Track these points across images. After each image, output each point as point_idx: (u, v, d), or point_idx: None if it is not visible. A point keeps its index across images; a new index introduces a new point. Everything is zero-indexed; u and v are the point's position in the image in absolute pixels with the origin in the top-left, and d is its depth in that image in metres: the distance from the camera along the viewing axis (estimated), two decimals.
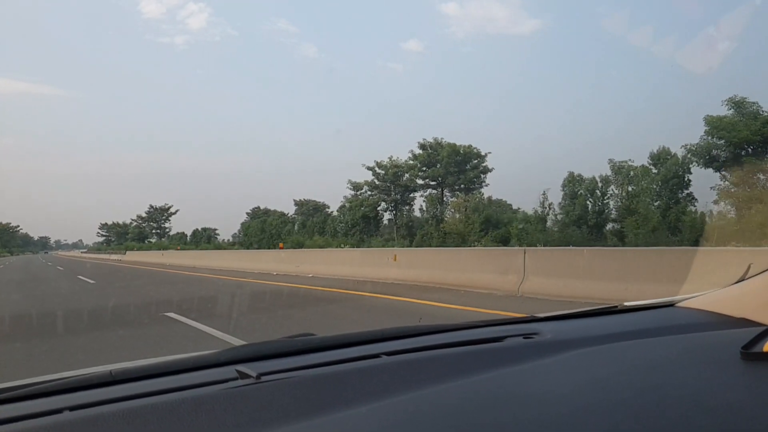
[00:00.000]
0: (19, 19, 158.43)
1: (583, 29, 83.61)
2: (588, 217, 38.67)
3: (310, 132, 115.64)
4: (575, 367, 1.07)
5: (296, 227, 69.94)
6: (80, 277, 18.27)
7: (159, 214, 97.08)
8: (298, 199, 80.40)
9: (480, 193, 46.97)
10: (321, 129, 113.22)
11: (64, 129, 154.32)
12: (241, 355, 1.10)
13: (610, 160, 38.76)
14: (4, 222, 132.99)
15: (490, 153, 51.93)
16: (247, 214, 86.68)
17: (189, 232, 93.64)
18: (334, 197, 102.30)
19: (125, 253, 41.04)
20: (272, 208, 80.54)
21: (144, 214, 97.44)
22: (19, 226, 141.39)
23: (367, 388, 0.96)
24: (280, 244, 35.04)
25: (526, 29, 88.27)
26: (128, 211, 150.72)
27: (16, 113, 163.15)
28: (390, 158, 56.24)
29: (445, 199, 52.64)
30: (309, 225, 68.43)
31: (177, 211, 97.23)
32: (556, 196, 41.33)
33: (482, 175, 51.95)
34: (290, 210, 79.32)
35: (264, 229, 68.97)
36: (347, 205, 59.83)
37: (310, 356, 1.12)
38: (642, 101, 70.13)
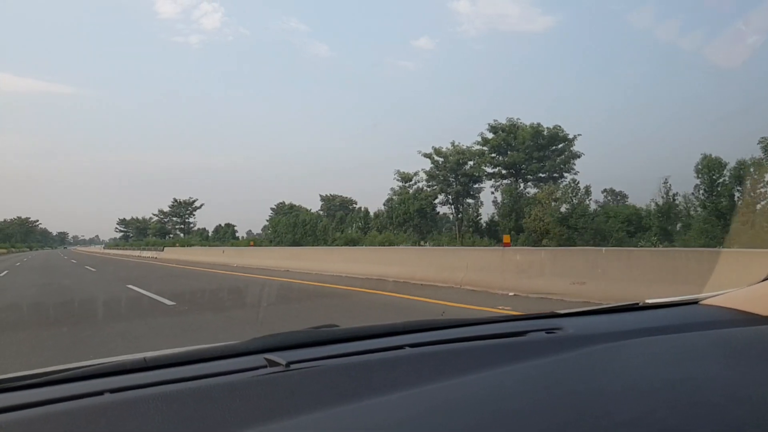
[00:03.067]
0: (39, 20, 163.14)
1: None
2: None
3: (327, 129, 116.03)
4: (601, 360, 1.06)
5: (334, 223, 64.00)
6: (135, 288, 11.64)
7: (183, 209, 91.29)
8: (324, 195, 78.04)
9: (575, 181, 39.70)
10: (337, 126, 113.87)
11: (82, 127, 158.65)
12: (269, 345, 1.11)
13: (763, 139, 30.97)
14: (23, 217, 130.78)
15: (579, 135, 44.40)
16: (272, 209, 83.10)
17: (207, 229, 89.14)
18: (359, 193, 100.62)
19: (163, 250, 34.36)
20: (296, 204, 77.59)
21: (167, 209, 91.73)
22: (38, 221, 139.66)
23: (394, 378, 0.96)
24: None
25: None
26: (142, 208, 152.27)
27: (36, 112, 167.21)
28: (453, 143, 49.27)
29: (518, 189, 45.33)
30: (349, 220, 62.37)
31: (202, 205, 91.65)
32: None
33: (572, 161, 44.43)
34: (316, 205, 76.54)
35: (296, 225, 63.03)
36: (395, 198, 53.01)
37: (335, 346, 1.14)
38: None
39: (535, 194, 43.63)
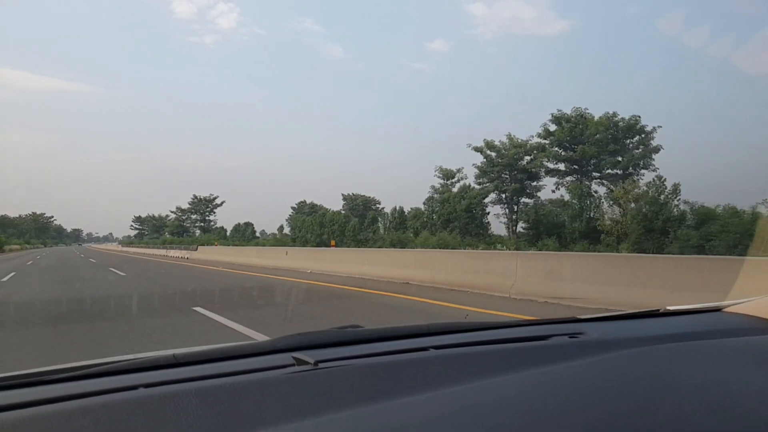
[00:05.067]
0: (57, 19, 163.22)
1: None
2: None
3: (342, 129, 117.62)
4: (626, 365, 1.05)
5: (366, 223, 59.66)
6: (227, 323, 6.92)
7: (203, 206, 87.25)
8: (346, 194, 76.14)
9: (661, 178, 34.49)
10: (350, 127, 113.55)
11: (98, 125, 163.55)
12: (296, 343, 1.11)
13: None
14: (38, 212, 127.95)
15: (660, 127, 39.05)
16: (293, 208, 79.80)
17: (225, 228, 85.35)
18: (377, 193, 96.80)
19: (197, 249, 29.63)
20: (318, 203, 75.83)
21: (188, 205, 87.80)
22: (53, 217, 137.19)
23: (421, 378, 0.97)
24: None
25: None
26: (157, 206, 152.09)
27: (53, 109, 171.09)
28: (509, 136, 44.35)
29: (588, 187, 40.10)
30: (389, 220, 57.83)
31: (223, 202, 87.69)
32: None
33: (651, 155, 39.00)
34: (337, 205, 74.08)
35: (323, 224, 58.83)
36: (436, 196, 48.20)
37: (360, 347, 1.15)
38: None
39: (606, 193, 38.61)
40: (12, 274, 16.58)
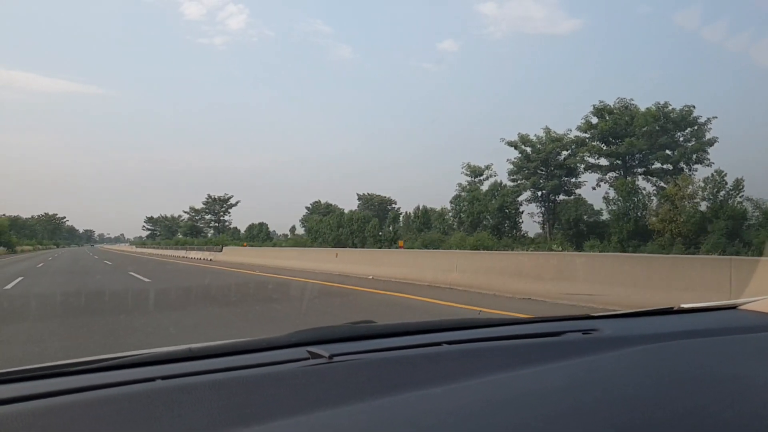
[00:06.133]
0: (68, 22, 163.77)
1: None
2: None
3: (351, 129, 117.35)
4: (641, 361, 1.05)
5: (387, 222, 57.44)
6: None
7: (218, 206, 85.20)
8: (361, 194, 74.78)
9: (721, 173, 31.53)
10: (361, 127, 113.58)
11: (109, 127, 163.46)
12: (310, 338, 1.12)
13: None
14: (50, 213, 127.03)
15: (715, 118, 36.00)
16: (307, 208, 77.92)
17: (239, 228, 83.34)
18: (391, 192, 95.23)
19: (221, 250, 26.94)
20: (332, 203, 73.56)
21: (201, 205, 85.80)
22: (65, 217, 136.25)
23: (435, 373, 0.97)
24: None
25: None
26: (168, 207, 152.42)
27: (65, 112, 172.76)
28: (546, 129, 41.62)
29: (635, 183, 37.13)
30: (412, 220, 55.42)
31: (238, 202, 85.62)
32: None
33: (706, 149, 35.87)
34: (351, 205, 72.42)
35: (341, 224, 56.65)
36: (463, 194, 45.55)
37: (374, 341, 1.15)
38: None
39: (654, 189, 35.85)
40: (18, 279, 14.25)
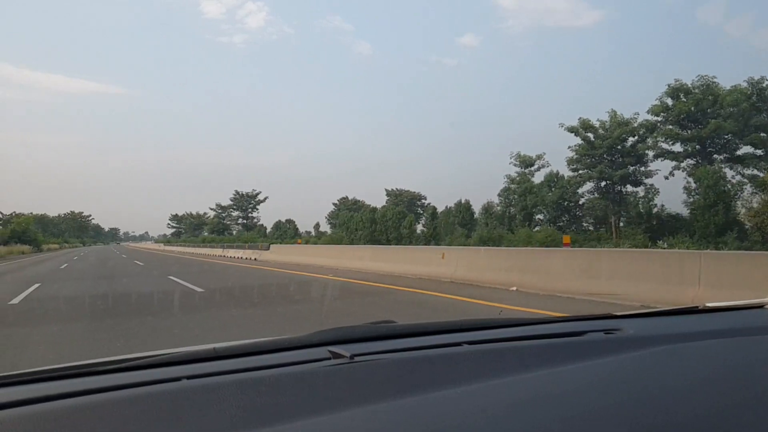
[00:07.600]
0: (89, 23, 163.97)
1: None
2: None
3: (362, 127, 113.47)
4: (664, 361, 1.03)
5: (426, 218, 53.92)
6: None
7: (246, 202, 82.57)
8: (390, 189, 69.86)
9: None
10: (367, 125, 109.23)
11: (133, 126, 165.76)
12: (331, 338, 1.12)
13: None
14: (76, 211, 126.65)
15: None
16: (334, 204, 74.63)
17: (265, 226, 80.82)
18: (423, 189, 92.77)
19: (269, 248, 23.40)
20: (360, 199, 70.22)
21: (229, 202, 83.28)
22: (90, 215, 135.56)
23: (456, 373, 0.97)
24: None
25: None
26: (192, 204, 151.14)
27: (89, 111, 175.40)
28: (611, 113, 37.54)
29: (720, 171, 32.76)
30: (451, 215, 51.80)
31: (266, 198, 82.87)
32: None
33: None
34: (380, 201, 68.25)
35: (374, 220, 53.18)
36: (513, 186, 41.65)
37: (395, 341, 1.15)
38: None
39: (742, 178, 31.60)
40: (35, 286, 11.15)
